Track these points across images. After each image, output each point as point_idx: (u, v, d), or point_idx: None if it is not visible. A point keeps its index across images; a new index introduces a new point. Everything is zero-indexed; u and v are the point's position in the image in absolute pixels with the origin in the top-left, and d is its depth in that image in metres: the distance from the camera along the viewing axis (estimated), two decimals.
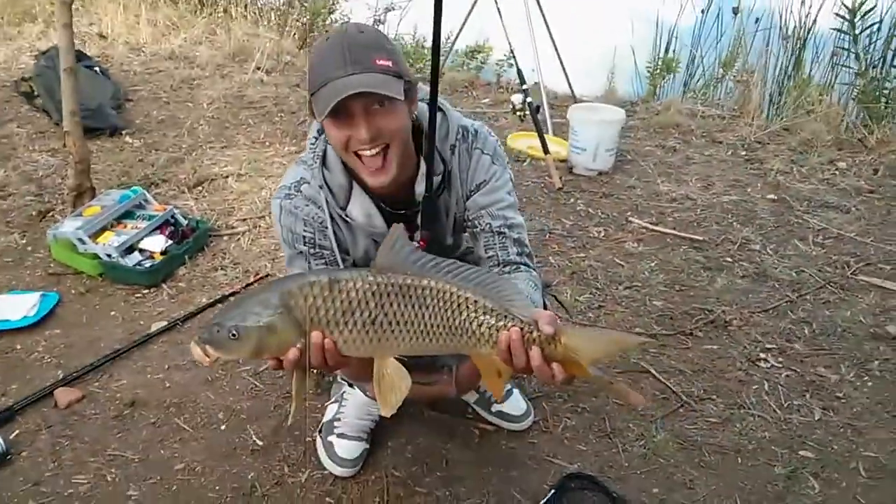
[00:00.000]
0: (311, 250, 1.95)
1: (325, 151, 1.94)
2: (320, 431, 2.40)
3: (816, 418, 2.56)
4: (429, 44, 6.77)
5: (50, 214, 3.62)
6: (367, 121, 1.71)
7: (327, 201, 1.93)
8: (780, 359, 2.84)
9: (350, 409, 2.40)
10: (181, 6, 7.39)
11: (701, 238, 3.65)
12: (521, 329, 1.52)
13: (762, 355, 2.85)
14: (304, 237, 1.95)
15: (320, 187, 1.93)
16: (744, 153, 4.70)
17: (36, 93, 4.82)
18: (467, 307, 1.52)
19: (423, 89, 1.91)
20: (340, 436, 2.36)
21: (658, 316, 3.07)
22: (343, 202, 1.95)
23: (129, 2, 6.90)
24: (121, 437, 2.44)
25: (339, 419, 2.39)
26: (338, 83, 1.66)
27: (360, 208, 1.94)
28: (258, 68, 5.75)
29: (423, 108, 1.91)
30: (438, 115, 1.96)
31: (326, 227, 1.94)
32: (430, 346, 1.55)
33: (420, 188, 1.93)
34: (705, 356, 2.86)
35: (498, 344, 1.52)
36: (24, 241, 3.44)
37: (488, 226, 1.99)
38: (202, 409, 2.56)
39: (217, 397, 2.61)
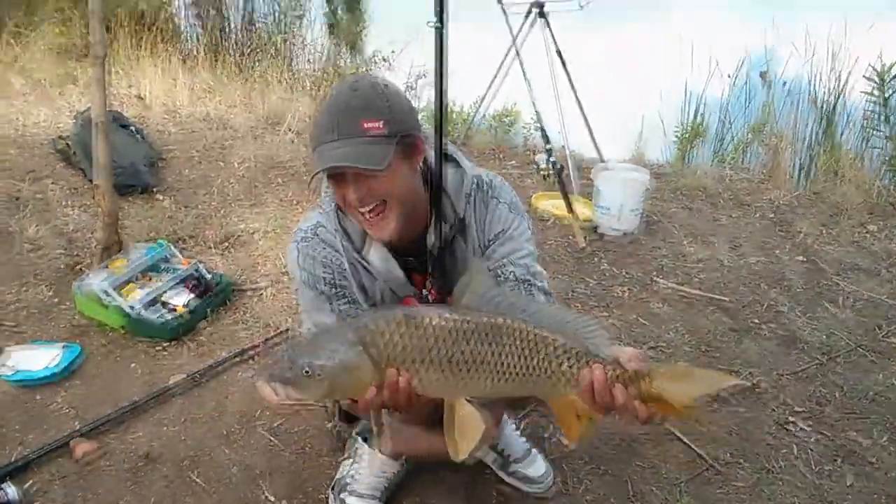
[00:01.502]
0: (333, 290, 1.95)
1: None
2: (332, 489, 2.36)
3: (849, 484, 2.47)
4: (458, 108, 6.96)
5: (78, 268, 3.66)
6: (356, 184, 1.74)
7: (344, 246, 1.94)
8: (811, 423, 2.76)
9: (364, 466, 2.35)
10: (219, 71, 7.59)
11: (728, 300, 3.59)
12: (605, 367, 1.48)
13: (791, 419, 2.77)
14: (325, 278, 1.94)
15: (336, 231, 1.94)
16: (772, 216, 4.66)
17: (73, 151, 4.93)
18: (546, 346, 1.48)
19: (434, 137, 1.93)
20: (353, 493, 2.31)
21: None
22: (360, 246, 1.95)
23: (167, 66, 7.10)
24: (134, 491, 2.42)
25: (352, 476, 2.34)
26: (325, 149, 1.71)
27: (377, 254, 1.95)
28: (290, 130, 5.85)
29: (429, 154, 1.93)
30: (451, 165, 1.98)
31: (345, 270, 1.94)
32: (506, 387, 1.51)
33: (431, 239, 1.93)
34: (732, 420, 2.78)
35: (580, 384, 1.48)
36: (51, 294, 3.48)
37: (512, 274, 1.96)
38: (217, 465, 2.53)
39: (232, 452, 2.59)
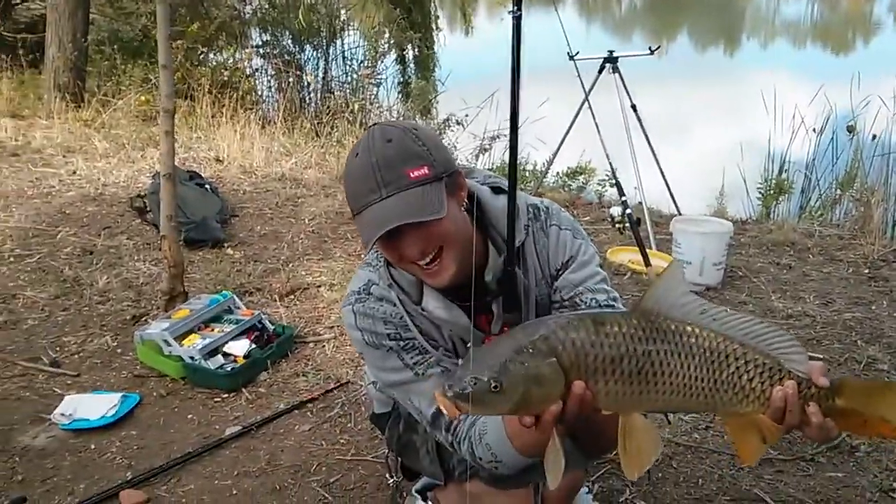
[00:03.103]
0: (400, 343, 1.80)
1: None
2: None
3: None
4: (531, 167, 6.89)
5: (143, 318, 3.65)
6: (414, 237, 1.60)
7: (400, 299, 1.81)
8: None
9: None
10: (295, 135, 7.74)
11: (821, 357, 3.31)
12: (799, 385, 1.35)
13: (895, 485, 2.48)
14: (388, 334, 1.80)
15: (389, 286, 1.81)
16: (866, 271, 4.35)
17: (148, 208, 5.02)
18: (737, 360, 1.35)
19: (480, 171, 1.81)
20: None
21: None
22: (416, 297, 1.81)
23: (246, 131, 7.27)
24: None
25: None
26: (375, 209, 1.57)
27: (436, 303, 1.81)
28: None
29: (477, 188, 1.80)
30: (503, 196, 1.84)
31: (406, 323, 1.81)
32: (688, 402, 1.37)
33: (489, 276, 1.79)
34: (829, 485, 2.50)
35: (771, 401, 1.35)
36: (114, 344, 3.46)
37: (594, 301, 1.81)
38: None
39: None
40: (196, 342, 3.18)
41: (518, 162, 1.78)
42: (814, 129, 6.58)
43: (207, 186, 5.30)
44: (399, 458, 2.21)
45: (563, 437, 1.41)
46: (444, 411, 1.33)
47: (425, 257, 1.63)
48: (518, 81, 1.65)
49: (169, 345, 3.16)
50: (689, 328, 1.35)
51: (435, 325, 1.83)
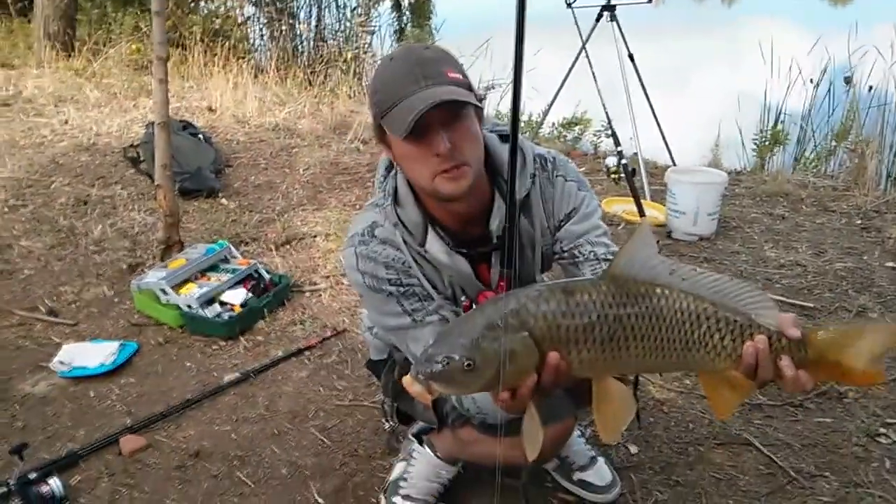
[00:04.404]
0: (400, 289, 1.82)
1: (395, 188, 1.83)
2: (384, 492, 2.24)
3: None
4: (526, 117, 6.84)
5: (139, 268, 3.66)
6: (447, 128, 1.59)
7: (404, 240, 1.81)
8: None
9: (419, 469, 2.22)
10: (289, 84, 7.66)
11: (812, 305, 3.35)
12: (769, 339, 1.36)
13: (883, 430, 2.52)
14: (389, 279, 1.82)
15: (395, 225, 1.81)
16: (859, 222, 4.37)
17: (142, 158, 5.00)
18: (708, 319, 1.35)
19: (487, 118, 1.80)
20: (406, 497, 2.19)
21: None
22: (420, 240, 1.82)
23: (239, 80, 7.18)
24: (181, 489, 2.35)
25: (405, 479, 2.22)
26: (415, 98, 1.55)
27: (438, 247, 1.81)
28: (356, 138, 5.82)
29: (488, 136, 1.79)
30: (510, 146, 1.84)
31: (410, 267, 1.82)
32: (662, 363, 1.39)
33: (495, 224, 1.79)
34: (817, 430, 2.55)
35: (743, 357, 1.36)
36: (111, 293, 3.48)
37: (592, 254, 1.82)
38: (266, 464, 2.44)
39: (282, 452, 2.49)
40: (193, 291, 3.20)
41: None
42: (811, 80, 6.53)
43: (201, 136, 5.26)
44: (395, 404, 2.24)
45: (540, 404, 1.42)
46: (415, 395, 1.34)
47: (452, 159, 1.60)
48: (523, 30, 1.63)
49: (166, 293, 3.17)
50: (658, 290, 1.35)
51: (436, 269, 1.84)
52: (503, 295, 1.45)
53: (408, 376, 1.35)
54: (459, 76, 1.61)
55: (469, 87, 1.62)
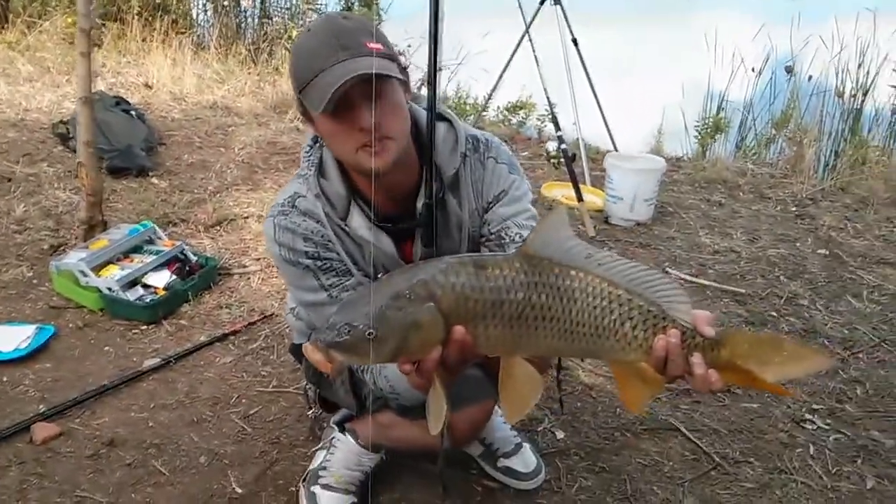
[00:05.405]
0: (317, 263, 1.77)
1: (321, 159, 1.78)
2: (304, 480, 2.18)
3: (868, 487, 2.25)
4: (472, 100, 6.80)
5: (61, 248, 3.52)
6: (369, 102, 1.52)
7: (326, 213, 1.75)
8: (829, 420, 2.54)
9: (339, 457, 2.16)
10: (230, 61, 7.47)
11: (744, 291, 3.37)
12: (682, 334, 1.32)
13: (808, 416, 2.55)
14: (307, 252, 1.76)
15: (316, 196, 1.75)
16: (794, 209, 4.42)
17: (71, 135, 4.81)
18: (620, 306, 1.32)
19: (423, 97, 1.74)
20: (326, 487, 2.13)
21: None
22: (342, 213, 1.76)
23: (179, 56, 6.98)
24: (93, 479, 2.25)
25: (325, 468, 2.16)
26: (334, 70, 1.49)
27: (360, 222, 1.76)
28: (296, 117, 5.70)
29: (421, 113, 1.74)
30: (444, 124, 1.80)
31: (330, 241, 1.76)
32: (570, 347, 1.35)
33: (421, 201, 1.74)
34: (743, 415, 2.57)
35: (653, 350, 1.33)
36: (30, 274, 3.34)
37: (519, 236, 1.79)
38: (183, 452, 2.36)
39: (201, 440, 2.41)
40: (114, 273, 3.08)
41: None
42: (753, 69, 6.59)
43: (133, 113, 5.08)
44: (318, 390, 2.19)
45: (447, 381, 1.39)
46: (315, 363, 1.29)
47: (378, 129, 1.55)
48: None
49: (85, 275, 3.06)
50: (572, 273, 1.32)
51: (357, 244, 1.79)
52: (412, 265, 1.41)
53: (308, 343, 1.31)
54: (380, 46, 1.55)
55: (392, 58, 1.57)
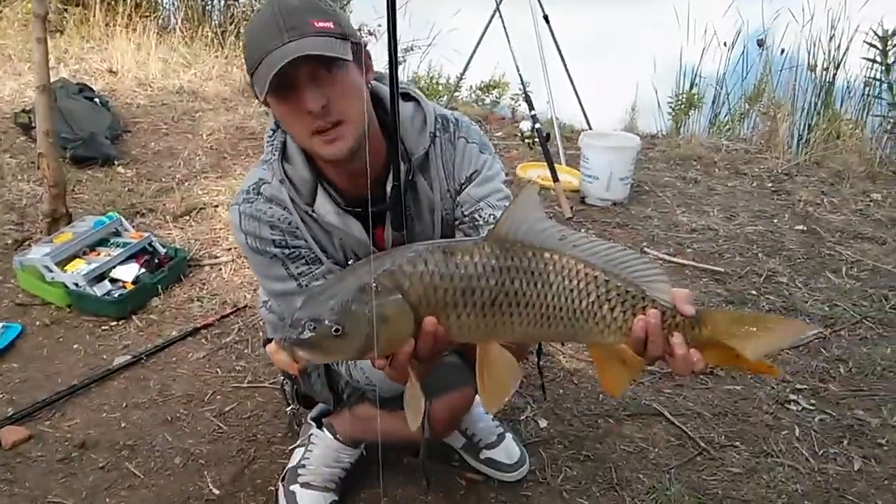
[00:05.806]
0: (285, 252, 1.71)
1: (284, 143, 1.72)
2: (283, 479, 2.12)
3: (856, 468, 2.24)
4: (444, 80, 6.71)
5: (27, 243, 3.42)
6: (316, 84, 1.47)
7: (292, 199, 1.69)
8: (813, 401, 2.52)
9: (318, 454, 2.12)
10: (196, 45, 7.31)
11: (723, 270, 3.35)
12: (662, 313, 1.28)
13: (792, 397, 2.53)
14: (274, 240, 1.70)
15: (281, 182, 1.68)
16: (770, 185, 4.41)
17: (33, 124, 4.66)
18: (597, 288, 1.27)
19: (385, 75, 1.68)
20: (305, 485, 2.08)
21: None
22: (308, 199, 1.70)
23: (142, 40, 6.82)
24: (65, 483, 2.19)
25: (304, 466, 2.11)
26: (275, 54, 1.44)
27: (329, 206, 1.70)
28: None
29: (386, 93, 1.67)
30: (412, 104, 1.75)
31: (297, 228, 1.70)
32: (548, 332, 1.31)
33: (390, 186, 1.68)
34: (727, 398, 2.54)
35: (632, 331, 1.29)
36: None
37: (493, 217, 1.74)
38: (157, 453, 2.30)
39: (175, 440, 2.35)
40: (80, 267, 2.99)
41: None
42: (725, 44, 6.56)
43: (97, 100, 4.95)
44: (295, 386, 2.13)
45: (422, 372, 1.35)
46: (280, 363, 1.24)
47: (327, 115, 1.50)
48: None
49: (51, 271, 2.96)
50: (546, 255, 1.27)
51: (326, 231, 1.74)
52: (379, 254, 1.35)
53: (272, 343, 1.25)
54: (329, 24, 1.49)
55: (344, 36, 1.50)
